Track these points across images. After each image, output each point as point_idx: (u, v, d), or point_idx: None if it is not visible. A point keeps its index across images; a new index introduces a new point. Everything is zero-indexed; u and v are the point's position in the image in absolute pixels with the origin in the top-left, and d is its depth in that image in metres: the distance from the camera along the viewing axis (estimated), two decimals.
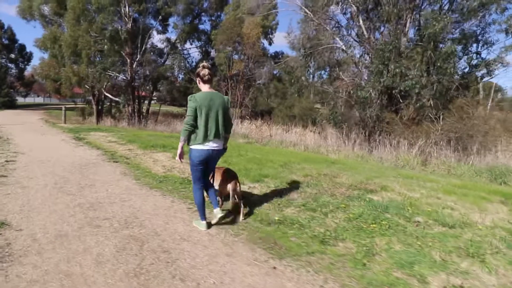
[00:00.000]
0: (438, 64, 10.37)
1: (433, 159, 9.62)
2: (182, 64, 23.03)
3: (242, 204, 4.04)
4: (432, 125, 10.41)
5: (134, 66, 23.56)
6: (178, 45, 26.57)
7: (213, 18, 27.59)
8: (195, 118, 3.41)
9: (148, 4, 21.90)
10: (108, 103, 28.76)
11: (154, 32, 25.63)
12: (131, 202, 4.65)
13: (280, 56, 25.12)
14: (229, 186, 3.97)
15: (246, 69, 21.14)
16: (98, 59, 22.04)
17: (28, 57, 47.64)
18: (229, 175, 4.10)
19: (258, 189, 5.46)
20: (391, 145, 11.29)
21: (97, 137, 11.93)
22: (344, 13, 14.83)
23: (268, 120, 19.78)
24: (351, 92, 13.40)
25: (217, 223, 3.76)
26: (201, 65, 3.64)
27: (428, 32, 10.02)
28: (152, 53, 23.91)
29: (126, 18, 22.29)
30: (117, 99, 24.17)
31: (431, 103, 10.80)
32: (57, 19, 24.62)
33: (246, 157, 8.14)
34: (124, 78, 23.75)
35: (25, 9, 26.39)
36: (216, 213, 3.67)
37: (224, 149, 3.79)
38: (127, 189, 5.34)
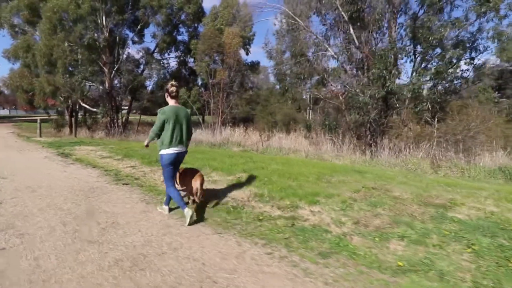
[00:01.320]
0: (441, 69, 9.78)
1: (442, 162, 8.85)
2: (161, 73, 20.95)
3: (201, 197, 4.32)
4: (430, 127, 9.76)
5: (112, 75, 21.08)
6: (156, 55, 24.41)
7: (190, 29, 25.77)
8: (162, 128, 3.81)
9: (126, 15, 19.60)
10: (82, 114, 25.82)
11: (130, 42, 23.29)
12: (185, 249, 3.12)
13: (256, 66, 23.95)
14: (198, 182, 4.25)
15: (228, 77, 19.61)
16: (71, 69, 19.31)
17: None
18: (193, 173, 4.39)
19: (329, 216, 4.11)
20: (390, 148, 10.47)
21: (86, 152, 9.86)
22: (324, 24, 14.02)
23: (249, 127, 18.51)
24: (344, 98, 12.54)
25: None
26: (170, 83, 3.99)
27: (432, 38, 9.41)
28: (129, 63, 21.51)
29: (103, 29, 19.81)
30: (94, 109, 21.51)
31: (429, 106, 10.22)
32: (29, 29, 21.49)
33: (269, 170, 6.75)
34: (102, 88, 21.15)
35: None
36: (165, 210, 4.18)
37: (185, 152, 4.15)
38: (165, 226, 3.76)
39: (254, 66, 23.25)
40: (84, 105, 21.06)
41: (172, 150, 3.85)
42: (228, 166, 7.09)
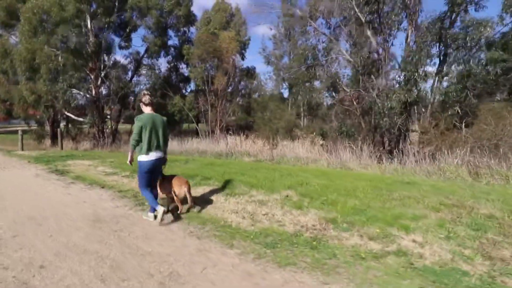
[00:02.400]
0: (477, 71, 9.27)
1: (480, 169, 8.22)
2: (153, 79, 19.62)
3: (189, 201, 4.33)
4: (459, 132, 9.21)
5: (99, 82, 19.59)
6: (146, 60, 23.11)
7: (180, 34, 24.66)
8: (140, 134, 3.88)
9: (112, 17, 18.30)
10: (64, 124, 24.01)
11: (117, 48, 21.90)
12: None
13: (252, 72, 23.11)
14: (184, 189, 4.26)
15: (227, 84, 18.61)
16: (52, 76, 17.72)
17: None
18: (180, 181, 4.36)
19: (442, 248, 3.20)
20: (414, 155, 9.80)
21: (84, 168, 8.58)
22: (329, 27, 13.42)
23: (249, 134, 17.58)
24: (358, 103, 11.88)
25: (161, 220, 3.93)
26: (142, 92, 4.22)
27: (469, 38, 8.89)
28: (117, 69, 20.10)
29: (89, 33, 18.39)
30: (80, 119, 19.92)
31: (458, 110, 9.68)
32: (5, 32, 19.72)
33: (315, 185, 5.83)
34: (88, 96, 19.60)
35: None
36: (159, 211, 3.96)
37: (165, 159, 4.25)
38: (245, 274, 2.75)
39: (250, 72, 22.41)
40: (68, 114, 19.44)
41: (150, 157, 3.95)
42: (264, 181, 6.12)
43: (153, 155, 3.95)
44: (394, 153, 10.74)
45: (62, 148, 15.83)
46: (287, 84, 20.39)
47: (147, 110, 4.05)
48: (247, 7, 53.04)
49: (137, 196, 5.41)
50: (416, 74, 9.04)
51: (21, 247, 3.35)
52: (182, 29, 23.82)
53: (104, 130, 19.69)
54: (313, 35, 12.25)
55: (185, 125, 29.37)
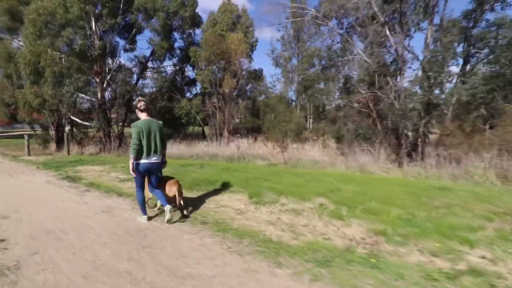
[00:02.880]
0: (507, 71, 8.91)
1: (510, 173, 7.85)
2: (160, 82, 19.28)
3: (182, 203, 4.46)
4: (483, 134, 8.84)
5: (104, 86, 19.28)
6: (151, 63, 22.81)
7: (185, 36, 24.38)
8: (140, 139, 3.96)
9: (118, 19, 17.98)
10: (69, 129, 23.67)
11: (121, 50, 21.61)
12: None
13: (259, 74, 22.77)
14: (174, 189, 4.42)
15: (236, 86, 18.27)
16: (60, 79, 17.42)
17: None
18: (172, 182, 4.54)
19: None
20: (436, 158, 9.41)
21: (96, 174, 8.23)
22: (341, 28, 13.07)
23: (257, 137, 17.23)
24: (374, 105, 11.52)
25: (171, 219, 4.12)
26: (137, 99, 4.22)
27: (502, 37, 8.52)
28: (123, 72, 19.79)
29: (93, 35, 18.10)
30: (86, 123, 19.61)
31: (483, 112, 9.33)
32: (7, 36, 19.45)
33: (348, 192, 5.47)
34: (94, 99, 19.29)
35: None
36: (167, 209, 4.11)
37: (163, 163, 4.38)
38: None
39: (257, 74, 22.08)
40: (74, 118, 19.11)
41: (148, 160, 4.07)
42: (291, 188, 5.76)
43: (151, 159, 4.08)
44: (413, 156, 10.39)
45: (69, 152, 15.51)
46: (295, 86, 19.99)
47: (142, 116, 4.15)
48: (254, 8, 52.92)
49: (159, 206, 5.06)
50: (443, 75, 8.67)
51: (43, 267, 2.99)
52: (187, 31, 23.54)
53: (110, 134, 19.37)
54: (328, 35, 11.94)
55: (189, 128, 29.05)
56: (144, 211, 4.31)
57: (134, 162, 4.02)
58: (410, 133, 9.73)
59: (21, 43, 18.97)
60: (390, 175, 8.64)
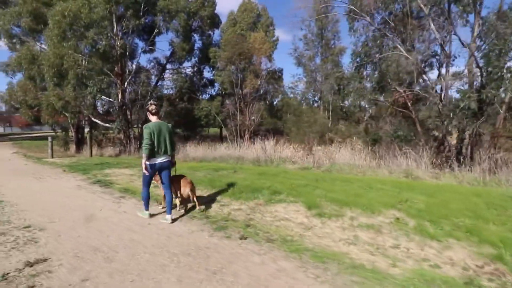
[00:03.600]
0: None
1: None
2: (180, 83, 18.87)
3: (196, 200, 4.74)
4: None
5: (125, 87, 19.01)
6: (169, 64, 22.49)
7: (203, 37, 24.01)
8: (151, 139, 4.13)
9: (141, 20, 17.69)
10: (88, 130, 23.55)
11: (140, 52, 21.35)
12: None
13: (279, 74, 22.16)
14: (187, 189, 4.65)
15: (259, 86, 17.71)
16: (79, 81, 17.17)
17: None
18: (185, 181, 4.73)
19: None
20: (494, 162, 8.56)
21: (126, 178, 7.77)
22: (372, 24, 12.29)
23: (280, 139, 16.61)
24: (412, 104, 10.74)
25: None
26: (150, 102, 4.47)
27: None
28: (142, 74, 19.49)
29: (115, 36, 17.83)
30: (107, 124, 19.37)
31: None
32: (28, 38, 19.42)
33: (421, 204, 4.77)
34: (114, 101, 19.04)
35: None
36: (168, 217, 4.29)
37: (173, 163, 4.54)
38: None
39: (277, 74, 21.46)
40: (95, 120, 18.89)
41: (157, 160, 4.24)
42: (351, 197, 5.11)
43: (160, 159, 4.27)
44: (461, 159, 9.57)
45: (91, 154, 15.22)
46: (319, 85, 19.24)
47: (153, 118, 4.34)
48: (280, 6, 52.36)
49: (210, 216, 4.49)
50: (504, 70, 7.87)
51: None
52: (207, 32, 23.18)
53: (130, 135, 19.09)
54: (363, 31, 11.21)
55: (206, 130, 28.59)
56: (147, 207, 4.51)
57: (145, 162, 4.17)
58: (456, 135, 8.93)
59: (43, 46, 18.94)
60: (443, 182, 7.88)
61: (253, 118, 18.45)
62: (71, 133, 21.76)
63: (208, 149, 16.86)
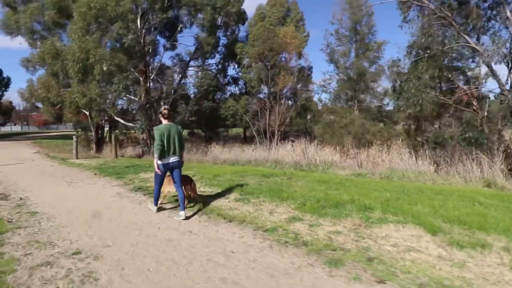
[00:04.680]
0: None
1: None
2: (209, 80, 18.01)
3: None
4: None
5: (148, 85, 18.28)
6: (192, 62, 21.69)
7: (228, 33, 23.14)
8: (162, 141, 4.43)
9: (168, 13, 16.94)
10: (107, 130, 22.96)
11: (161, 49, 20.63)
12: None
13: (308, 72, 21.09)
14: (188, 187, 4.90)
15: (292, 84, 16.68)
16: (104, 77, 16.47)
17: (5, 83, 39.72)
18: (187, 180, 5.02)
19: None
20: None
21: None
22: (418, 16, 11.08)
23: (312, 141, 15.54)
24: (478, 103, 9.54)
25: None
26: (163, 107, 4.79)
27: None
28: (170, 70, 18.80)
29: (139, 32, 17.09)
30: (130, 124, 18.68)
31: None
32: (48, 34, 18.94)
33: None
34: (136, 99, 18.33)
35: (11, 23, 20.33)
36: (182, 214, 4.49)
37: (181, 162, 4.75)
38: None
39: (306, 71, 20.37)
40: (117, 119, 18.22)
41: (167, 160, 4.53)
42: (472, 217, 4.02)
43: (169, 159, 4.53)
44: None
45: (116, 155, 14.49)
46: (354, 83, 18.06)
47: (165, 121, 4.62)
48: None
49: (307, 242, 3.49)
50: None
51: None
52: (232, 27, 22.32)
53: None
54: (419, 20, 10.00)
55: (229, 130, 27.60)
56: (156, 203, 4.83)
57: (156, 162, 4.44)
58: None
59: (64, 42, 18.39)
60: None
61: (285, 118, 17.44)
62: (90, 133, 21.24)
63: (236, 151, 15.96)
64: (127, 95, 17.69)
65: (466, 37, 9.06)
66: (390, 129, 16.48)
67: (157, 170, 4.47)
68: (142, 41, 17.27)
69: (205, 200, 5.29)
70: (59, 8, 16.37)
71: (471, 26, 9.37)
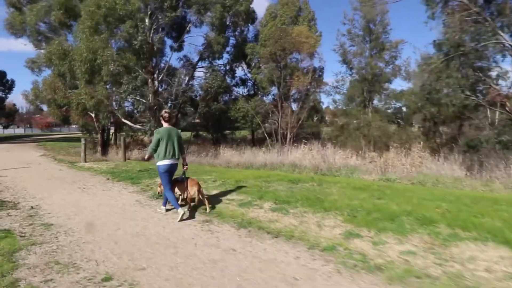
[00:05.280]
0: None
1: None
2: (219, 81, 17.47)
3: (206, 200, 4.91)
4: None
5: (156, 87, 17.77)
6: (200, 62, 21.19)
7: (236, 33, 22.67)
8: (157, 145, 4.61)
9: (176, 12, 16.46)
10: (112, 132, 22.46)
11: (168, 49, 20.15)
12: None
13: (320, 73, 20.56)
14: (195, 189, 4.82)
15: (308, 85, 16.12)
16: (112, 78, 15.97)
17: (9, 86, 39.37)
18: (193, 183, 4.88)
19: None
20: None
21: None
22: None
23: (326, 144, 14.97)
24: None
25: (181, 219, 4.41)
26: (163, 110, 4.92)
27: None
28: (179, 71, 18.31)
29: (147, 31, 16.61)
30: (137, 126, 18.19)
31: None
32: (56, 34, 18.51)
33: None
34: (144, 101, 17.82)
35: (16, 24, 19.95)
36: (162, 210, 4.92)
37: (184, 165, 4.94)
38: None
39: (318, 72, 19.85)
40: (126, 121, 17.72)
41: (166, 162, 4.63)
42: None
43: (169, 161, 4.64)
44: None
45: (125, 158, 13.94)
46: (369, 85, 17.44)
47: (165, 124, 4.75)
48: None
49: (380, 267, 2.92)
50: None
51: None
52: (240, 27, 21.87)
53: None
54: (448, 16, 9.41)
55: (236, 133, 26.98)
56: (177, 204, 4.59)
57: (157, 164, 4.63)
58: None
59: (70, 42, 17.95)
60: None
61: (298, 120, 16.90)
62: (96, 135, 20.74)
63: (249, 154, 15.43)
64: (135, 97, 17.22)
65: (502, 33, 8.51)
66: (406, 131, 15.90)
67: (146, 158, 5.07)
68: (150, 41, 16.82)
69: (211, 200, 5.14)
70: (66, 8, 15.95)
71: (504, 23, 8.83)
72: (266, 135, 17.81)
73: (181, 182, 4.88)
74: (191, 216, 4.61)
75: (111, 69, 14.16)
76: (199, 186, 4.88)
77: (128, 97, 15.03)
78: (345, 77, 18.53)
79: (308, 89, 18.04)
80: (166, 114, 4.75)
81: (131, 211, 5.04)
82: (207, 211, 4.76)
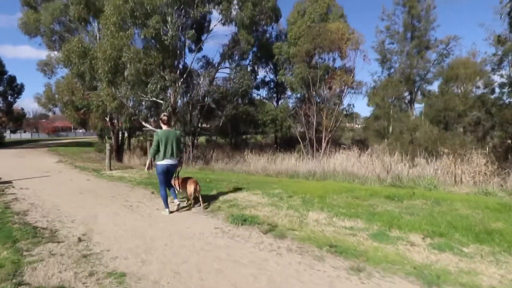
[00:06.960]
0: None
1: None
2: (248, 81, 16.06)
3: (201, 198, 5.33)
4: None
5: (178, 88, 16.40)
6: (223, 63, 19.87)
7: (259, 32, 21.36)
8: (158, 145, 4.85)
9: (210, 5, 15.22)
10: (126, 136, 21.09)
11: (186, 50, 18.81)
12: None
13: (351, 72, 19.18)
14: (192, 187, 5.18)
15: (345, 85, 14.72)
16: (137, 78, 14.59)
17: (18, 90, 38.11)
18: (191, 181, 5.29)
19: None
20: None
21: (272, 211, 4.85)
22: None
23: (365, 150, 13.53)
24: None
25: (177, 210, 5.02)
26: (162, 114, 5.14)
27: None
28: (206, 70, 16.98)
29: (174, 27, 15.26)
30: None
31: None
32: (68, 35, 17.27)
33: None
34: (167, 103, 16.44)
35: (30, 22, 18.75)
36: (176, 202, 5.11)
37: (180, 163, 5.25)
38: None
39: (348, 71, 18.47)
40: (146, 125, 16.34)
41: (165, 162, 4.90)
42: None
43: (167, 161, 4.91)
44: None
45: (151, 166, 12.49)
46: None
47: (164, 127, 5.00)
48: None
49: None
50: None
51: None
52: (268, 25, 20.58)
53: (185, 143, 16.46)
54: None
55: (253, 138, 25.48)
56: (166, 205, 4.99)
57: (156, 163, 4.93)
58: None
59: (86, 41, 16.67)
60: None
61: (335, 123, 15.50)
62: (110, 140, 19.40)
63: (290, 161, 13.97)
64: (157, 98, 15.87)
65: None
66: (459, 136, 14.42)
67: (146, 169, 5.18)
68: (188, 32, 15.47)
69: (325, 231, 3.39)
70: (87, 2, 14.68)
71: None
72: (300, 140, 16.35)
73: (184, 181, 5.28)
74: None
75: (138, 67, 12.81)
76: (197, 185, 5.24)
77: (157, 97, 13.60)
78: (384, 77, 17.16)
79: (343, 89, 16.65)
80: (165, 117, 5.02)
81: (219, 246, 3.59)
82: (203, 206, 5.24)
